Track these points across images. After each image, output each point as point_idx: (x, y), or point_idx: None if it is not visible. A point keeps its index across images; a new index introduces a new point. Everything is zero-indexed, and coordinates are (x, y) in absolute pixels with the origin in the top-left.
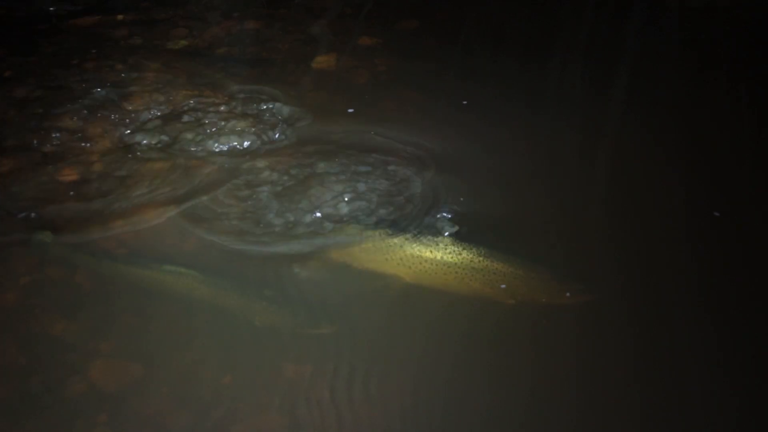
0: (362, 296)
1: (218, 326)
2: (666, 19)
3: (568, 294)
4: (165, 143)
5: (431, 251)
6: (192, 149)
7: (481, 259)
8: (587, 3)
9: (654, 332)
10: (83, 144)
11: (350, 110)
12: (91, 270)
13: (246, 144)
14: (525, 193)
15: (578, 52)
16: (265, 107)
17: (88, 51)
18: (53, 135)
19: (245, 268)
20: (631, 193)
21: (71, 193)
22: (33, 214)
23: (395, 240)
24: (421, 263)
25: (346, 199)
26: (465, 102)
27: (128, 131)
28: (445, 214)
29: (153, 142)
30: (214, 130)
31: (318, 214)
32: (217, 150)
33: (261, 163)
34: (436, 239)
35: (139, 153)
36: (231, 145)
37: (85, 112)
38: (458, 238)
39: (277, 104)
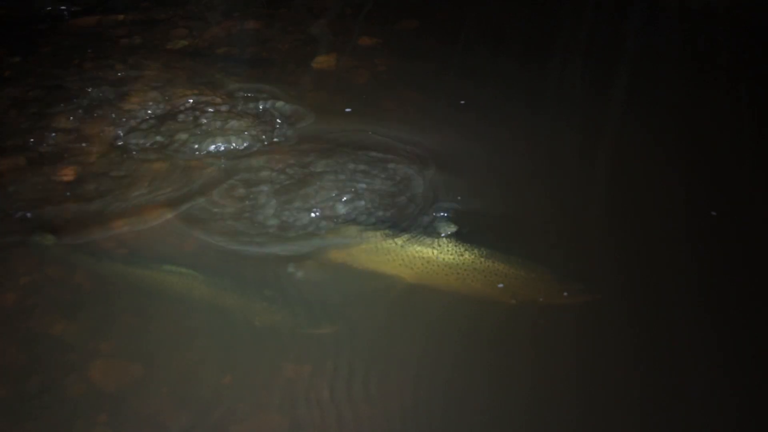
0: (362, 296)
1: (218, 326)
2: (665, 20)
3: (565, 294)
4: (164, 143)
5: (431, 251)
6: (191, 149)
7: (482, 259)
8: (587, 3)
9: (654, 332)
10: (82, 144)
11: (348, 110)
12: (91, 270)
13: (245, 144)
14: (524, 192)
15: (578, 52)
16: (264, 107)
17: (88, 51)
18: (52, 135)
19: (244, 268)
20: (630, 193)
21: (69, 193)
22: (28, 214)
23: (395, 240)
24: (421, 263)
25: (344, 199)
26: (462, 102)
27: (127, 131)
28: (443, 214)
29: (152, 142)
30: (213, 130)
31: (317, 215)
32: (216, 150)
33: (260, 163)
34: (435, 239)
35: (138, 153)
36: (230, 145)
37: (85, 112)
38: (457, 237)
39: (277, 104)
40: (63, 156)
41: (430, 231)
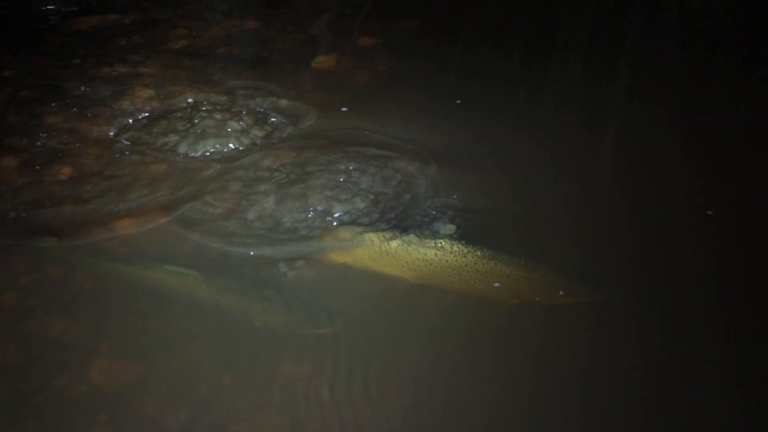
0: (362, 296)
1: (218, 326)
2: (665, 20)
3: (561, 293)
4: (163, 144)
5: (433, 252)
6: (190, 150)
7: (485, 260)
8: (587, 3)
9: (656, 332)
10: (82, 144)
11: (344, 109)
12: (91, 270)
13: (246, 144)
14: (524, 192)
15: (578, 52)
16: (264, 107)
17: (88, 51)
18: (52, 135)
19: (244, 268)
20: (630, 193)
21: (68, 193)
22: (28, 215)
23: (395, 240)
24: (423, 264)
25: (343, 199)
26: (462, 102)
27: (127, 132)
28: (444, 214)
29: (151, 142)
30: (212, 130)
31: (316, 215)
32: (215, 150)
33: (259, 164)
34: (436, 239)
35: (137, 153)
36: (230, 145)
37: (84, 112)
38: (458, 238)
39: (277, 104)
40: (62, 156)
41: (430, 231)
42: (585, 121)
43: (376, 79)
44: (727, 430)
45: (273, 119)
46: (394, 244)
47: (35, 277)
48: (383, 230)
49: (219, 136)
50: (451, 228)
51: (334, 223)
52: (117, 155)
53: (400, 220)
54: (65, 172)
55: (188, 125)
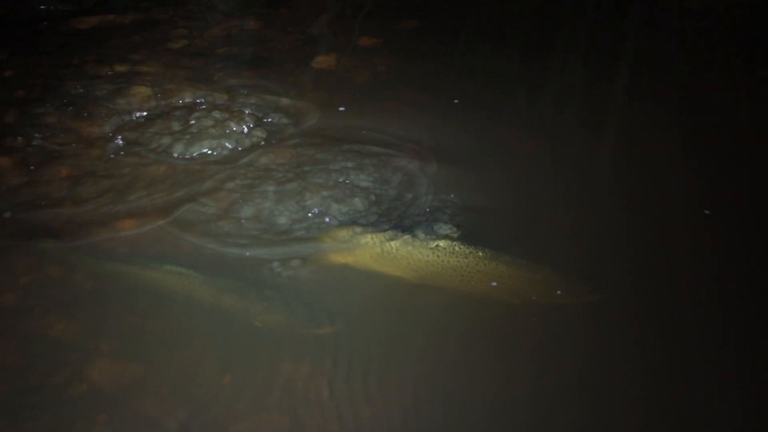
0: (362, 296)
1: (218, 326)
2: (665, 20)
3: (562, 293)
4: (162, 144)
5: (434, 252)
6: (189, 150)
7: (486, 261)
8: (587, 3)
9: (657, 332)
10: (80, 144)
11: (341, 108)
12: (91, 270)
13: (245, 144)
14: (524, 192)
15: (578, 52)
16: (264, 107)
17: (88, 51)
18: (50, 135)
19: (244, 269)
20: (629, 192)
21: (68, 194)
22: (27, 215)
23: (396, 240)
24: (423, 264)
25: (343, 199)
26: (462, 101)
27: (127, 132)
28: (444, 214)
29: (151, 142)
30: (212, 130)
31: (316, 215)
32: (214, 150)
33: (259, 164)
34: (437, 240)
35: (137, 154)
36: (229, 145)
37: (84, 112)
38: (458, 238)
39: (277, 104)
40: (61, 156)
41: (432, 231)
42: (585, 120)
43: (376, 79)
44: (727, 430)
45: (273, 119)
46: (395, 244)
47: (35, 277)
48: (384, 230)
49: (218, 136)
50: (452, 228)
51: (335, 224)
52: (116, 155)
53: (401, 220)
54: (63, 172)
55: (188, 125)
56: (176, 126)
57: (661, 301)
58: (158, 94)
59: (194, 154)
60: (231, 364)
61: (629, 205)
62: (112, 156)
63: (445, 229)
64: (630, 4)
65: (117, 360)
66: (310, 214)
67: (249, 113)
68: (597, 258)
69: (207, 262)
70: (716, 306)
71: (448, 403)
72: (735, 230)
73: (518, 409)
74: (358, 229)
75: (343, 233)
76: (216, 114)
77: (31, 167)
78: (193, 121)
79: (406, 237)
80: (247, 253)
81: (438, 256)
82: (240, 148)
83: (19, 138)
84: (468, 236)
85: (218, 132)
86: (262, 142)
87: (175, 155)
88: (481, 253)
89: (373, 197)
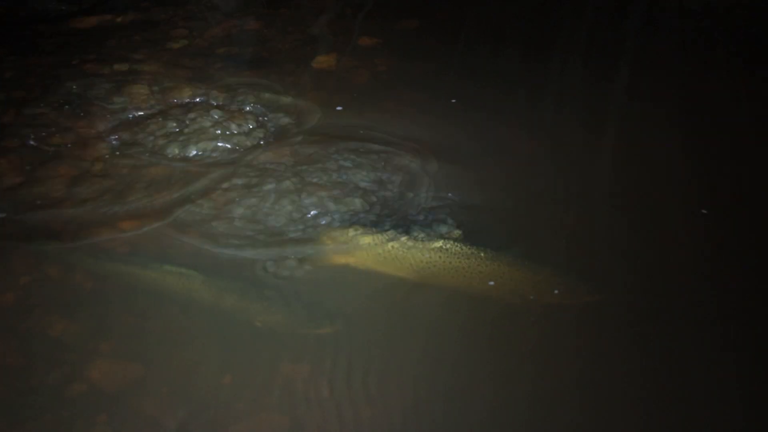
0: (362, 296)
1: (218, 326)
2: (665, 20)
3: (562, 293)
4: (162, 144)
5: (434, 252)
6: (188, 150)
7: (488, 262)
8: (587, 3)
9: (657, 332)
10: (81, 145)
11: (339, 108)
12: (91, 270)
13: (245, 144)
14: (524, 192)
15: (578, 52)
16: (265, 107)
17: (88, 51)
18: (50, 135)
19: (244, 269)
20: (629, 192)
21: (67, 194)
22: (26, 215)
23: (397, 241)
24: (424, 265)
25: (343, 199)
26: (463, 102)
27: (126, 132)
28: (445, 214)
29: (150, 142)
30: (211, 130)
31: (316, 215)
32: (214, 151)
33: (259, 164)
34: (438, 240)
35: (136, 154)
36: (229, 145)
37: (84, 112)
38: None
39: (277, 104)
40: (61, 157)
41: (433, 231)
42: (585, 120)
43: (376, 79)
44: (727, 430)
45: (273, 119)
46: (396, 245)
47: (35, 277)
48: (385, 231)
49: (218, 135)
50: (452, 228)
51: (335, 224)
52: (115, 155)
53: (402, 220)
54: (63, 172)
55: (187, 125)
56: (176, 126)
57: (660, 300)
58: (158, 94)
59: (193, 154)
60: (231, 364)
61: (629, 205)
62: (111, 156)
63: (445, 229)
64: (630, 4)
65: (117, 360)
66: (309, 215)
67: (249, 113)
68: (597, 258)
69: (207, 262)
70: (716, 306)
71: (448, 403)
72: (735, 230)
73: (518, 409)
74: (359, 230)
75: (344, 234)
76: (216, 114)
77: (32, 167)
78: (192, 121)
79: (407, 237)
80: (247, 253)
81: (440, 256)
82: (240, 148)
83: (19, 138)
84: (469, 236)
85: (218, 132)
86: (262, 142)
87: (175, 155)
88: (483, 254)
89: (373, 197)
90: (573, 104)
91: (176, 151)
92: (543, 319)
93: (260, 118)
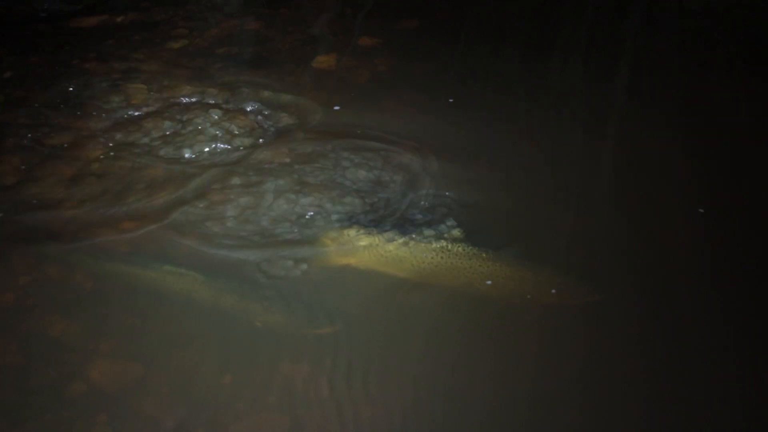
0: (362, 296)
1: (218, 326)
2: (665, 20)
3: (562, 293)
4: (162, 144)
5: (436, 253)
6: (188, 150)
7: (489, 262)
8: (587, 3)
9: (656, 332)
10: (80, 144)
11: (336, 107)
12: (91, 270)
13: (245, 144)
14: (525, 192)
15: (578, 52)
16: (264, 107)
17: (88, 51)
18: (50, 135)
19: (244, 269)
20: (629, 192)
21: (66, 194)
22: (26, 215)
23: (398, 241)
24: (426, 265)
25: (343, 199)
26: (464, 102)
27: (125, 132)
28: (445, 214)
29: (149, 142)
30: (211, 130)
31: (317, 215)
32: (214, 151)
33: (258, 164)
34: (438, 240)
35: (136, 154)
36: (229, 146)
37: (83, 113)
38: (460, 238)
39: (277, 104)
40: (61, 157)
41: (434, 232)
42: (585, 120)
43: (376, 79)
44: (727, 430)
45: (273, 119)
46: (397, 245)
47: (35, 277)
48: (386, 231)
49: (217, 136)
50: (453, 228)
51: (335, 224)
52: (115, 155)
53: (402, 220)
54: (62, 171)
55: (187, 124)
56: (175, 126)
57: (660, 300)
58: (157, 94)
59: (193, 154)
60: (231, 364)
61: (629, 205)
62: (111, 156)
63: (446, 229)
64: (630, 4)
65: (117, 360)
66: (309, 215)
67: (248, 113)
68: (597, 258)
69: (206, 263)
70: (716, 306)
71: (448, 403)
72: (735, 230)
73: (518, 409)
74: (360, 230)
75: (345, 234)
76: (215, 113)
77: (31, 167)
78: (191, 121)
79: (408, 237)
80: (248, 254)
81: (441, 257)
82: (239, 148)
83: (18, 138)
84: (469, 236)
85: (217, 132)
86: (262, 142)
87: (174, 155)
88: (484, 254)
89: (373, 197)
90: (573, 104)
91: (175, 151)
92: (543, 319)
93: (260, 118)
